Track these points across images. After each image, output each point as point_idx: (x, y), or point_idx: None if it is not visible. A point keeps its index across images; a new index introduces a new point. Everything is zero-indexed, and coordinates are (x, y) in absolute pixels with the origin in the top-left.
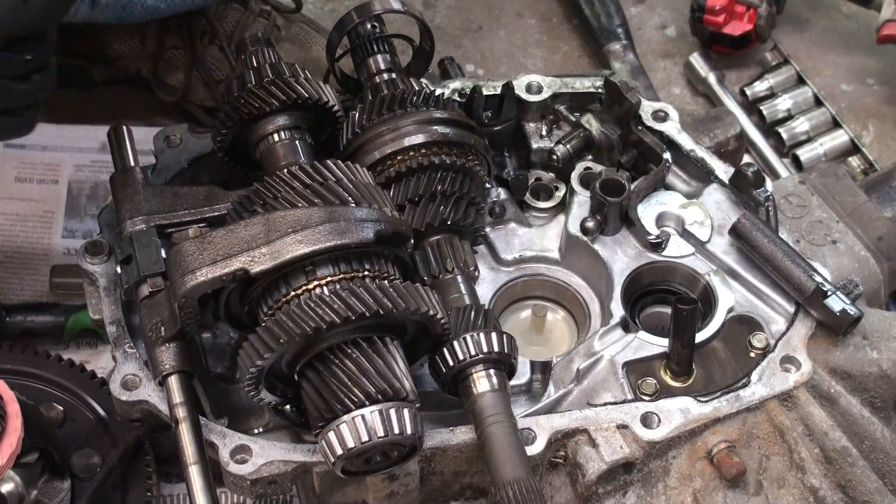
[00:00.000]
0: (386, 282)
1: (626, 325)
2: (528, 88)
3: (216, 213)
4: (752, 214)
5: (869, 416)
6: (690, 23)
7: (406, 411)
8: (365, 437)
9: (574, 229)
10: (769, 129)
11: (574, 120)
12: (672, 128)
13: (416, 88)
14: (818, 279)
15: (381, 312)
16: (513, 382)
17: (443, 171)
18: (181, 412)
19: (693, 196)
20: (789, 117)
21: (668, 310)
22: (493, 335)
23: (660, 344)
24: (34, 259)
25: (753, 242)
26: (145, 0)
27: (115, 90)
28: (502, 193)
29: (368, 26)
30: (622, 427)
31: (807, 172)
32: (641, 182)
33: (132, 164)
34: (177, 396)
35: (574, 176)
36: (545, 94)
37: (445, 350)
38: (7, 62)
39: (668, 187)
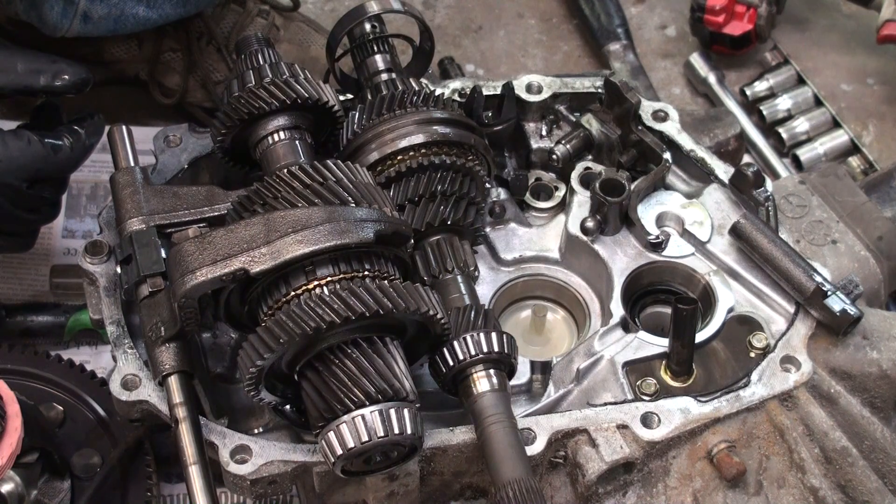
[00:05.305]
0: (386, 282)
1: (626, 325)
2: (528, 88)
3: (216, 213)
4: (752, 214)
5: (869, 416)
6: (690, 23)
7: (406, 411)
8: (365, 437)
9: (574, 229)
10: (769, 129)
11: (574, 120)
12: (672, 128)
13: (416, 88)
14: (818, 279)
15: (381, 312)
16: (513, 382)
17: (443, 171)
18: (181, 412)
19: (693, 196)
20: (789, 117)
21: (668, 310)
22: (493, 335)
23: (660, 344)
24: (34, 259)
25: (753, 242)
26: (137, 12)
27: (114, 91)
28: (502, 193)
29: (368, 26)
30: (622, 427)
31: (807, 172)
32: (641, 182)
33: (132, 164)
34: (177, 396)
35: (574, 176)
36: (545, 94)
37: (445, 350)
38: (29, 198)
39: (668, 187)
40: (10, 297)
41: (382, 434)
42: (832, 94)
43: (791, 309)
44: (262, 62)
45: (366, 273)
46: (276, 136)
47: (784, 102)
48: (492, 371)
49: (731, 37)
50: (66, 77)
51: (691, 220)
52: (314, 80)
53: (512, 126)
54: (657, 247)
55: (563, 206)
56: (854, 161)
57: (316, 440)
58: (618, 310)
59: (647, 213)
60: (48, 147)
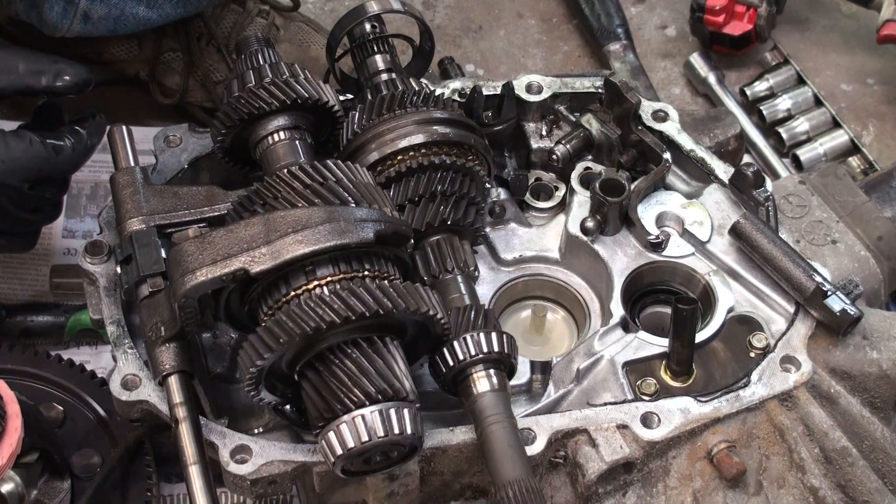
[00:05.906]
0: (386, 282)
1: (626, 325)
2: (528, 88)
3: (216, 213)
4: (752, 214)
5: (869, 416)
6: (690, 23)
7: (406, 411)
8: (365, 437)
9: (574, 229)
10: (769, 129)
11: (574, 120)
12: (672, 128)
13: (416, 88)
14: (818, 279)
15: (381, 312)
16: (513, 382)
17: (443, 171)
18: (181, 412)
19: (693, 196)
20: (789, 117)
21: (668, 310)
22: (493, 335)
23: (660, 344)
24: (34, 259)
25: (753, 242)
26: (137, 12)
27: (114, 91)
28: (502, 193)
29: (368, 26)
30: (622, 427)
31: (807, 172)
32: (641, 182)
33: (132, 164)
34: (177, 396)
35: (574, 176)
36: (545, 94)
37: (445, 350)
38: (30, 199)
39: (668, 187)
40: (10, 297)
41: (382, 434)
42: (832, 94)
43: (791, 309)
44: (262, 62)
45: (366, 273)
46: (276, 136)
47: (784, 102)
48: (492, 371)
49: (731, 37)
50: (68, 77)
51: (691, 220)
52: (314, 80)
53: (512, 126)
54: (657, 247)
55: (563, 206)
56: (854, 161)
57: (316, 440)
58: (618, 310)
59: (647, 213)
60: (50, 147)
